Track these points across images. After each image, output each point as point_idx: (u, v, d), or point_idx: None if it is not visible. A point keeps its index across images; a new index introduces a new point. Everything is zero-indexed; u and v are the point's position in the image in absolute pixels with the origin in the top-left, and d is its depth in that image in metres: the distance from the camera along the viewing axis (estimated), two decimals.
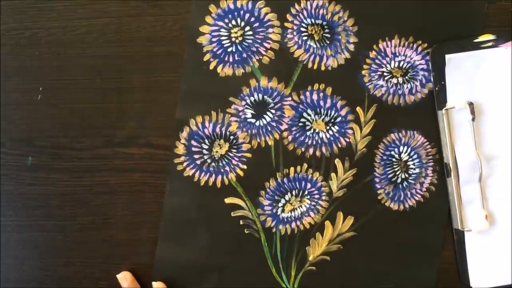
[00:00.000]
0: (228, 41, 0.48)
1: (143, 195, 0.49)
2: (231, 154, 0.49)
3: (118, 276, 0.48)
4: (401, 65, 0.49)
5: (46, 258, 0.49)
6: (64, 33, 0.49)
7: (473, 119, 0.48)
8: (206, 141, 0.49)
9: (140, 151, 0.49)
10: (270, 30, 0.48)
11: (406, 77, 0.49)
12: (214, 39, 0.48)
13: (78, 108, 0.49)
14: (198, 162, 0.49)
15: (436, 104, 0.49)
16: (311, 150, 0.49)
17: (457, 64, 0.48)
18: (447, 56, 0.48)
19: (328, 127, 0.49)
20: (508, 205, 0.48)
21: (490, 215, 0.48)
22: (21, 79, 0.49)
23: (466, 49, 0.48)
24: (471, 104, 0.48)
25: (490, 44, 0.48)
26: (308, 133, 0.49)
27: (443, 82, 0.48)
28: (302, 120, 0.49)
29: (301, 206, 0.49)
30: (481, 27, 0.48)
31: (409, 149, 0.49)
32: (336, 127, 0.49)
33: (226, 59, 0.48)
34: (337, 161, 0.49)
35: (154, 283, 0.48)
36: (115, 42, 0.49)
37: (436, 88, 0.49)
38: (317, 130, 0.49)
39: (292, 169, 0.49)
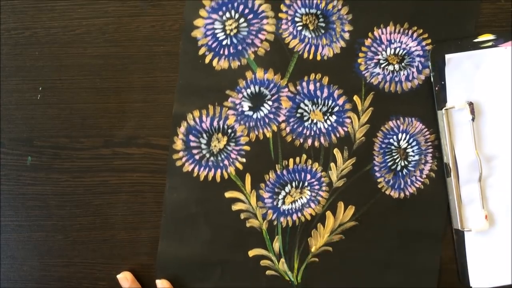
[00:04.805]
0: (222, 34, 0.48)
1: (143, 195, 0.49)
2: (229, 148, 0.48)
3: (118, 276, 0.48)
4: (397, 52, 0.49)
5: (46, 258, 0.49)
6: (64, 32, 0.49)
7: (473, 119, 0.48)
8: (204, 135, 0.48)
9: (140, 151, 0.49)
10: (265, 21, 0.48)
11: (403, 63, 0.49)
12: (208, 33, 0.48)
13: (78, 108, 0.49)
14: (197, 157, 0.48)
15: (436, 104, 0.49)
16: (309, 141, 0.49)
17: (457, 64, 0.48)
18: (447, 56, 0.48)
19: (326, 117, 0.49)
20: (508, 205, 0.48)
21: (490, 215, 0.48)
22: (21, 79, 0.49)
23: (466, 49, 0.48)
24: (471, 104, 0.48)
25: (490, 44, 0.48)
26: (306, 123, 0.49)
27: (443, 82, 0.48)
28: (300, 111, 0.49)
29: (301, 198, 0.49)
30: (477, 10, 0.48)
31: (408, 136, 0.49)
32: (334, 117, 0.49)
33: (221, 52, 0.48)
34: (336, 151, 0.49)
35: (158, 282, 0.48)
36: (115, 42, 0.49)
37: (436, 88, 0.48)
38: (315, 121, 0.49)
39: (291, 160, 0.49)
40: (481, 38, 0.48)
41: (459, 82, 0.48)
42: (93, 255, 0.49)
